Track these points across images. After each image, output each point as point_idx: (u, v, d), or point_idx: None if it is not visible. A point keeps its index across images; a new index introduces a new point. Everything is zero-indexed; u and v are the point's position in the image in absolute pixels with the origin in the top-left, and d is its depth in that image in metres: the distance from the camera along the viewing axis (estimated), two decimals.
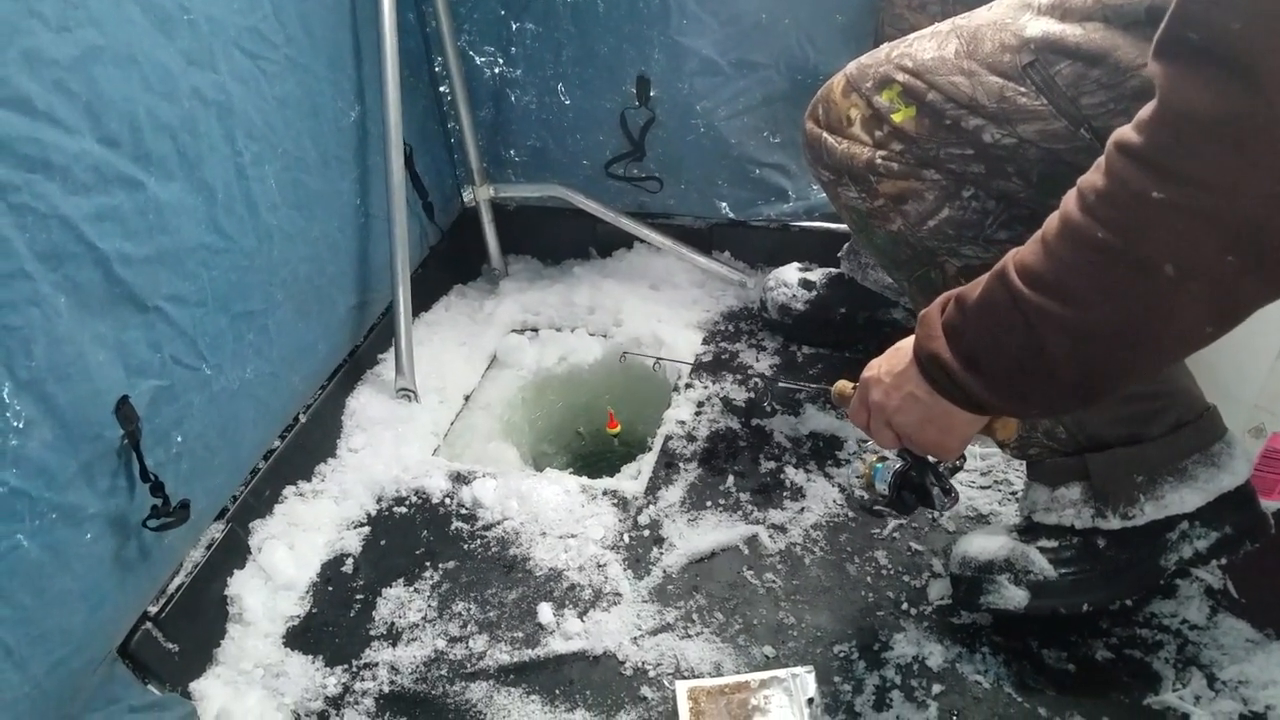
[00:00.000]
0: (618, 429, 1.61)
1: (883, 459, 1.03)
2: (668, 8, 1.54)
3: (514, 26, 1.64)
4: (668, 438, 1.45)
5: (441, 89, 1.72)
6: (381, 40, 1.42)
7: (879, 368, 0.90)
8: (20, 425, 0.82)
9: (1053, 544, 1.04)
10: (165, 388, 1.02)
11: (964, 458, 1.06)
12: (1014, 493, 1.27)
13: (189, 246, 1.05)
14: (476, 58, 1.69)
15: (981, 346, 0.75)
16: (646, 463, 1.41)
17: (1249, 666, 1.02)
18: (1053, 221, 0.69)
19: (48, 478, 0.86)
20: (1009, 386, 0.75)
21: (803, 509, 1.29)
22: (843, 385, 1.04)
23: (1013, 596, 1.03)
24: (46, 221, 0.84)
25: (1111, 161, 0.64)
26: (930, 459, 0.97)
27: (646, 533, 1.28)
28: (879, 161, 0.99)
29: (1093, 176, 0.65)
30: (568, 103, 1.70)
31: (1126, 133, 0.63)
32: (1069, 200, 0.68)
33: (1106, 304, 0.66)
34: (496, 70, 1.70)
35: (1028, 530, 1.07)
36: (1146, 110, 0.61)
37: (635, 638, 1.14)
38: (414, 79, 1.63)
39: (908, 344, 0.85)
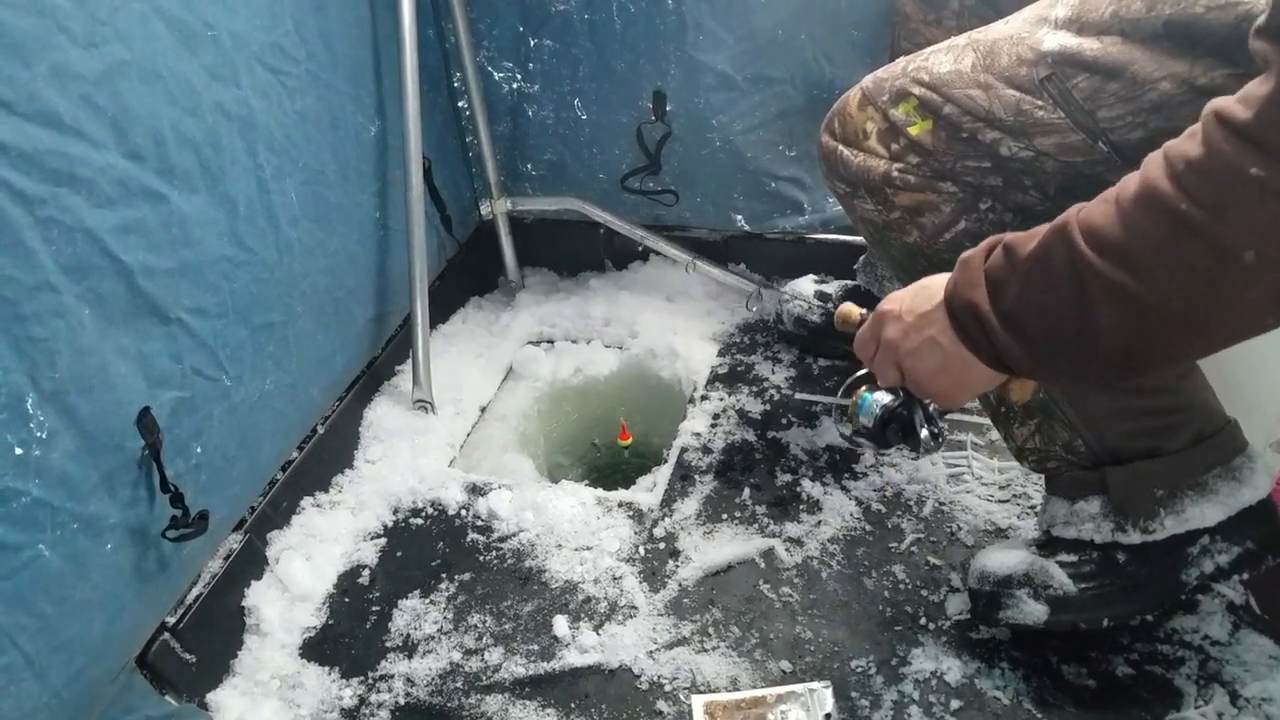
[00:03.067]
0: (629, 440, 1.61)
1: (871, 390, 1.00)
2: (684, 24, 1.55)
3: (532, 43, 1.65)
4: (683, 450, 1.45)
5: (460, 104, 1.74)
6: (401, 56, 1.44)
7: (900, 303, 0.84)
8: (43, 436, 0.83)
9: (1072, 558, 1.03)
10: (186, 399, 1.03)
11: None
12: (1032, 506, 1.26)
13: (211, 259, 1.07)
14: (495, 73, 1.71)
15: (1025, 304, 0.71)
16: (662, 475, 1.41)
17: (1272, 684, 1.00)
18: (1129, 184, 0.65)
19: (69, 488, 0.87)
20: (1045, 350, 0.71)
21: (819, 522, 1.29)
22: (849, 309, 0.99)
23: (1032, 611, 1.03)
24: (72, 234, 0.85)
25: (1209, 132, 0.60)
26: (925, 400, 0.93)
27: (662, 545, 1.28)
28: (895, 174, 0.99)
29: (1185, 145, 0.62)
30: (584, 118, 1.72)
31: (1230, 105, 0.60)
32: (1153, 165, 0.64)
33: (1171, 280, 0.62)
34: (514, 85, 1.72)
35: (1047, 544, 1.06)
36: (1257, 85, 0.58)
37: (651, 651, 1.13)
38: (433, 94, 1.65)
39: (937, 283, 0.81)
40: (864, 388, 1.01)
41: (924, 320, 0.80)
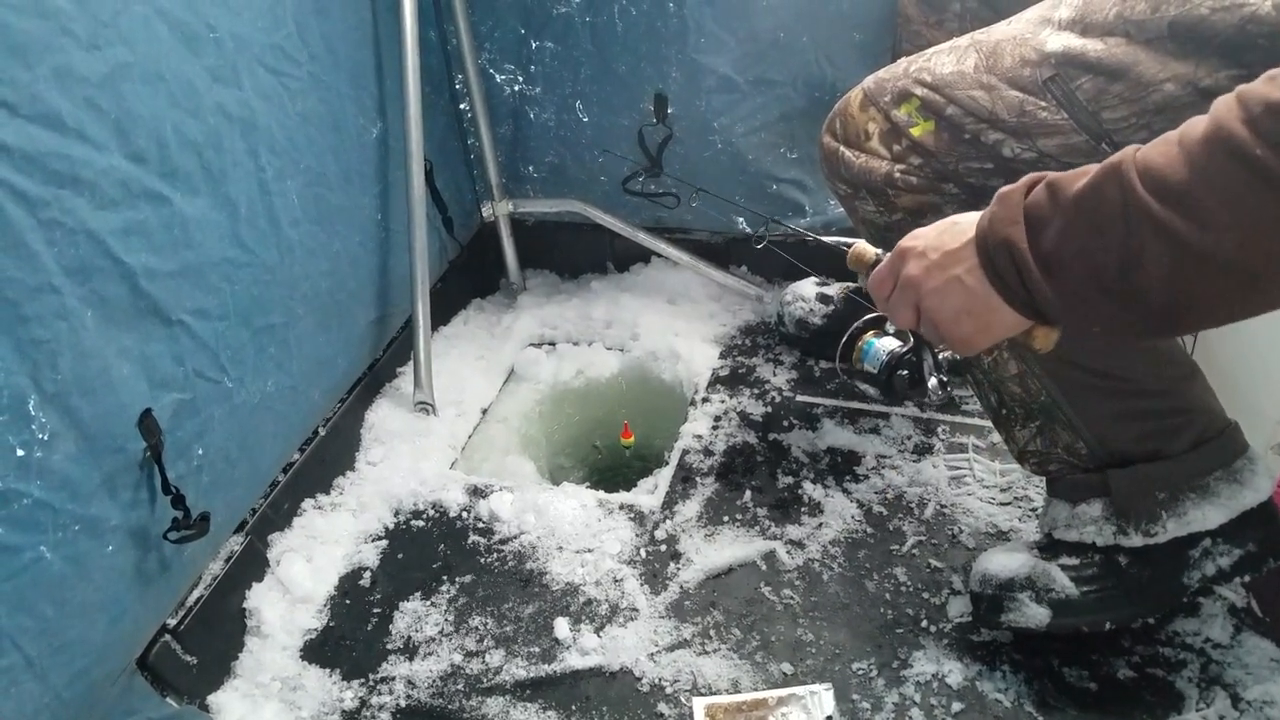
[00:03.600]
0: (631, 440, 1.61)
1: (879, 335, 0.96)
2: (685, 27, 1.55)
3: (533, 45, 1.65)
4: (685, 452, 1.45)
5: (462, 106, 1.74)
6: (403, 58, 1.44)
7: (924, 239, 0.79)
8: (45, 438, 0.83)
9: (1074, 561, 1.03)
10: (187, 401, 1.03)
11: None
12: (1034, 509, 1.26)
13: (212, 261, 1.07)
14: (496, 76, 1.71)
15: (1067, 246, 0.66)
16: (663, 477, 1.41)
17: (1273, 686, 1.00)
18: (1196, 126, 0.61)
19: (71, 490, 0.87)
20: (1082, 297, 0.67)
21: (821, 524, 1.29)
22: (863, 248, 0.92)
23: (1034, 615, 1.02)
24: (74, 236, 0.85)
25: None
26: (935, 345, 0.87)
27: (663, 548, 1.28)
28: (897, 175, 0.99)
29: (1264, 88, 0.58)
30: (586, 120, 1.72)
31: None
32: (1225, 108, 0.60)
33: (1236, 231, 0.58)
34: (516, 88, 1.72)
35: (1048, 547, 1.06)
36: None
37: (652, 654, 1.13)
38: (435, 96, 1.65)
39: (967, 220, 0.76)
40: (870, 333, 0.96)
41: (950, 258, 0.75)
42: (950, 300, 0.75)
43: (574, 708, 1.08)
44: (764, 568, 1.23)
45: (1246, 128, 0.57)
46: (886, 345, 0.91)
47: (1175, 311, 0.64)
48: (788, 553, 1.25)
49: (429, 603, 1.24)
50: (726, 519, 1.32)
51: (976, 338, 0.76)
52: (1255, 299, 0.63)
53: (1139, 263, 0.62)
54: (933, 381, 0.90)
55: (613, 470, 1.74)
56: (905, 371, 0.91)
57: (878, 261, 0.88)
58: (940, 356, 0.90)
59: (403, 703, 1.11)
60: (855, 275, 1.54)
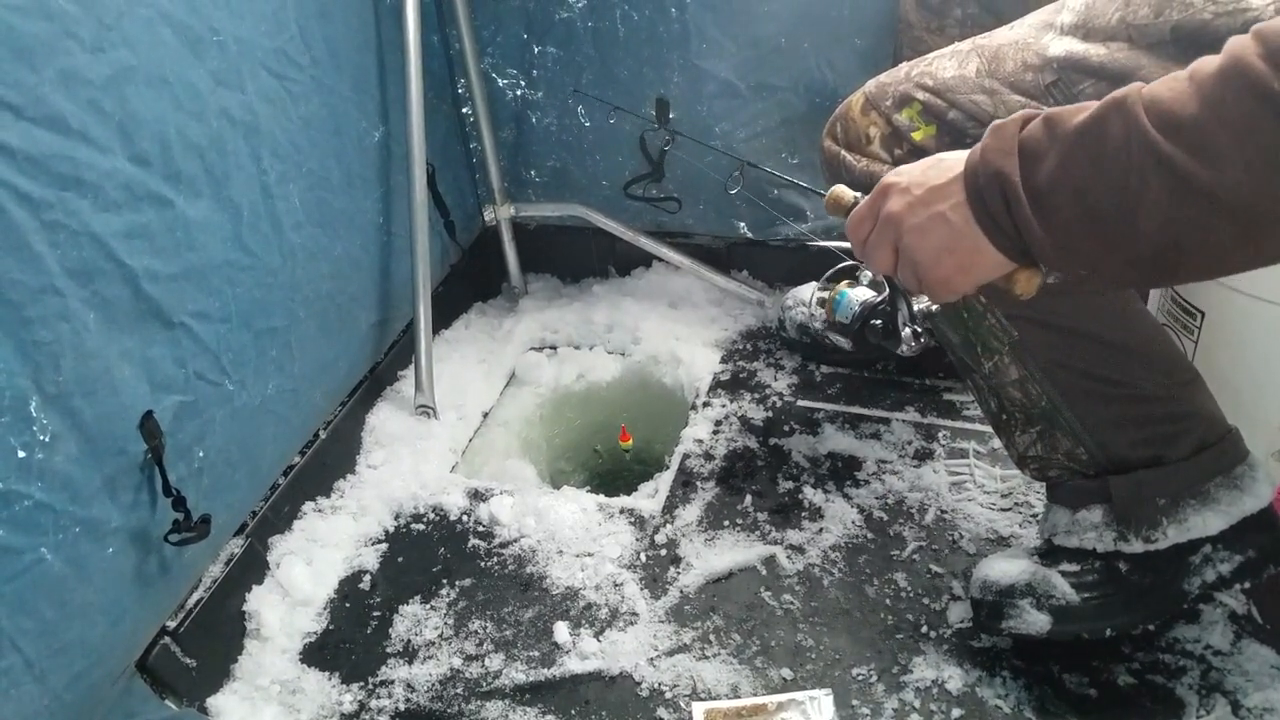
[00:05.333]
0: (629, 442, 1.61)
1: (852, 286, 0.92)
2: (687, 32, 1.56)
3: (536, 50, 1.66)
4: (685, 456, 1.45)
5: (464, 110, 1.74)
6: (406, 62, 1.44)
7: (908, 174, 0.76)
8: (46, 439, 0.83)
9: (1074, 568, 1.03)
10: (189, 403, 1.03)
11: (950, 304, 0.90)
12: (1034, 515, 1.26)
13: (215, 264, 1.07)
14: (499, 80, 1.71)
15: (1062, 180, 0.64)
16: (664, 481, 1.41)
17: (1274, 694, 1.00)
18: (1208, 63, 0.59)
19: (72, 491, 0.87)
20: (1073, 238, 0.65)
21: (821, 529, 1.28)
22: (841, 191, 0.89)
23: (1034, 621, 1.02)
24: (78, 238, 0.85)
25: None
26: (911, 294, 0.85)
27: (663, 552, 1.28)
28: None
29: None
30: (588, 124, 1.72)
31: None
32: (1241, 45, 0.58)
33: (1245, 168, 0.56)
34: (518, 92, 1.72)
35: (1049, 553, 1.06)
36: None
37: (652, 658, 1.13)
38: (437, 100, 1.65)
39: (955, 156, 0.74)
40: (844, 283, 0.93)
41: (935, 193, 0.72)
42: (931, 238, 0.73)
43: (573, 712, 1.08)
44: (764, 572, 1.23)
45: (1265, 62, 0.56)
46: (859, 296, 0.87)
47: (1166, 258, 0.62)
48: (788, 558, 1.25)
49: (429, 606, 1.24)
50: (727, 523, 1.32)
51: (956, 279, 0.74)
52: (1249, 249, 0.61)
53: (1137, 201, 0.60)
54: (906, 332, 0.85)
55: (613, 474, 1.74)
56: (878, 321, 0.88)
57: (855, 204, 0.85)
58: (917, 308, 0.86)
59: (402, 706, 1.11)
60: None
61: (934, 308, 0.88)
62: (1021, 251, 0.69)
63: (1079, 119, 0.63)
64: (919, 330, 0.86)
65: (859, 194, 0.84)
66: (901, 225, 0.74)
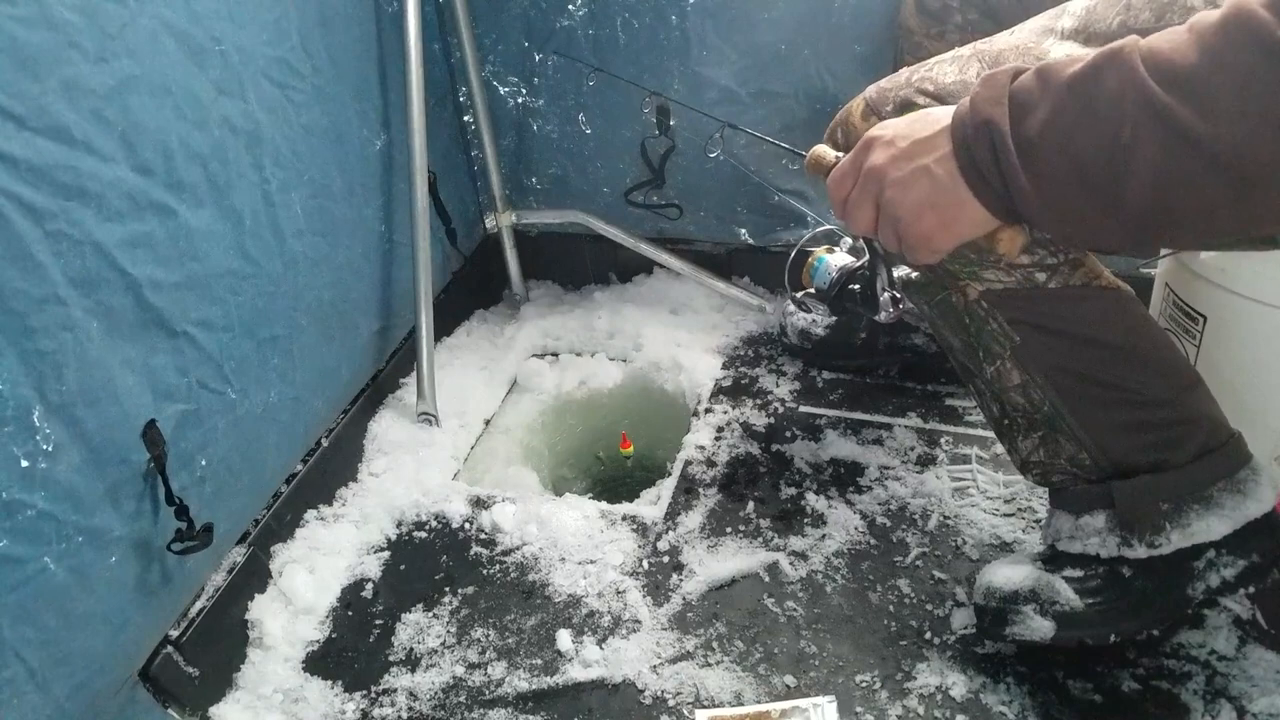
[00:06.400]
0: (630, 449, 1.61)
1: (830, 251, 0.92)
2: (688, 39, 1.56)
3: (537, 58, 1.66)
4: (687, 463, 1.45)
5: (466, 118, 1.75)
6: (407, 70, 1.45)
7: (893, 127, 0.74)
8: (49, 448, 0.83)
9: (1078, 573, 1.02)
10: (191, 412, 1.04)
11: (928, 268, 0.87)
12: (1037, 520, 1.26)
13: (217, 272, 1.07)
14: (500, 88, 1.72)
15: (1052, 131, 0.62)
16: (666, 488, 1.41)
17: (1279, 699, 1.00)
18: (1209, 15, 0.58)
19: (75, 501, 0.87)
20: (1061, 192, 0.63)
21: (824, 536, 1.28)
22: (822, 151, 0.87)
23: (1038, 628, 1.02)
24: (81, 248, 0.86)
25: None
26: (892, 259, 0.83)
27: (666, 559, 1.28)
28: None
29: None
30: (589, 132, 1.72)
31: None
32: None
33: (1243, 120, 0.55)
34: (519, 100, 1.73)
35: (1052, 559, 1.06)
36: None
37: (654, 666, 1.13)
38: (439, 108, 1.66)
39: (943, 110, 0.72)
40: (822, 249, 0.93)
41: (920, 147, 0.70)
42: (914, 192, 0.71)
43: None
44: (767, 579, 1.23)
45: (1269, 11, 0.54)
46: (837, 261, 0.86)
47: (1153, 218, 0.61)
48: (791, 564, 1.25)
49: (431, 614, 1.23)
50: (729, 530, 1.31)
51: (938, 236, 0.72)
52: (1238, 209, 0.59)
53: (1129, 155, 0.59)
54: (884, 297, 0.84)
55: (615, 481, 1.74)
56: (856, 286, 0.86)
57: (836, 163, 0.84)
58: (896, 274, 0.85)
59: (404, 715, 1.10)
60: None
61: (913, 275, 0.86)
62: (1006, 208, 0.68)
63: (1073, 69, 0.61)
64: (897, 296, 0.84)
65: (840, 154, 0.83)
66: (884, 179, 0.73)
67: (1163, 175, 0.58)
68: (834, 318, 1.57)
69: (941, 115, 0.71)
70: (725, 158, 1.47)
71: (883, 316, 0.87)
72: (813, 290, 0.89)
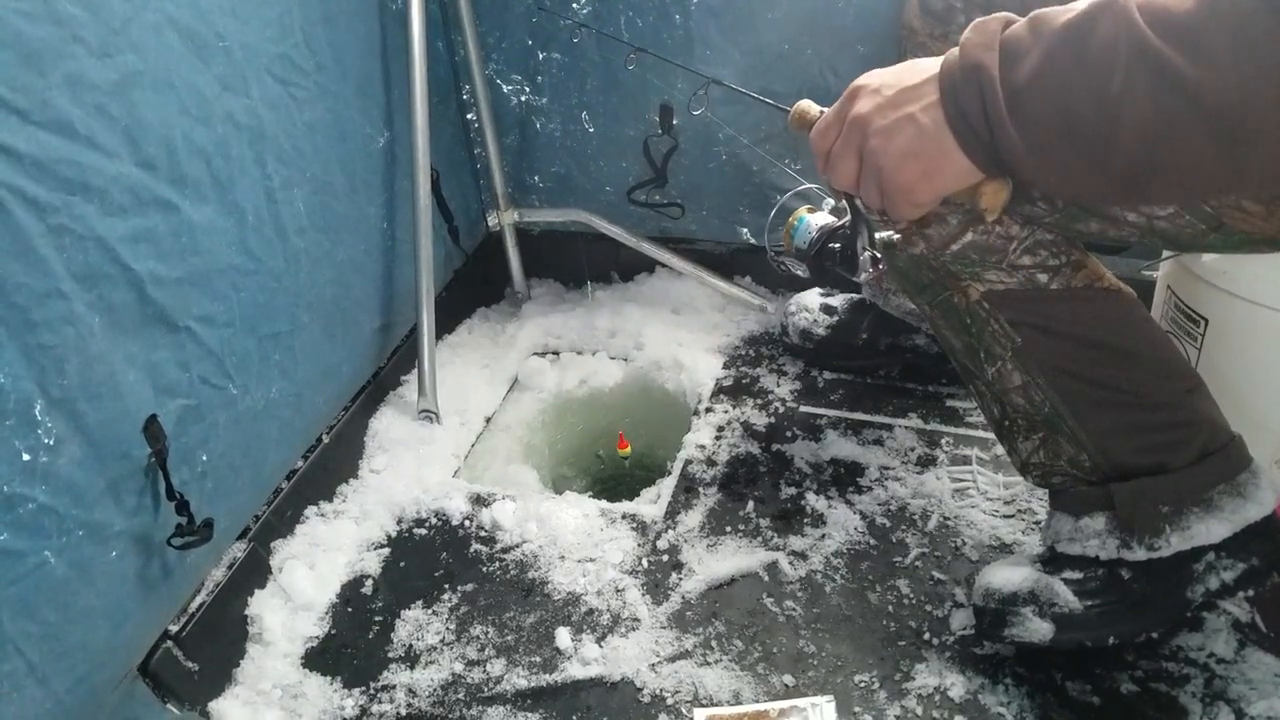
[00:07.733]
0: (627, 450, 1.61)
1: (811, 211, 0.91)
2: (691, 39, 1.56)
3: (540, 56, 1.66)
4: (687, 462, 1.45)
5: (469, 116, 1.75)
6: (411, 68, 1.45)
7: (880, 76, 0.72)
8: (51, 443, 0.83)
9: (1077, 575, 1.02)
10: (192, 407, 1.04)
11: (910, 226, 0.86)
12: (1037, 522, 1.26)
13: (219, 268, 1.07)
14: (503, 86, 1.72)
15: (1043, 79, 0.61)
16: (666, 487, 1.41)
17: (1278, 702, 1.00)
18: None
19: (75, 495, 0.87)
20: (1048, 142, 0.62)
21: (823, 536, 1.28)
22: (806, 105, 0.85)
23: (1038, 629, 1.02)
24: (84, 242, 0.86)
25: None
26: (872, 218, 0.82)
27: (665, 558, 1.28)
28: None
29: None
30: (591, 130, 1.73)
31: None
32: None
33: (1235, 70, 0.54)
34: (523, 98, 1.73)
35: (1051, 561, 1.06)
36: None
37: (653, 664, 1.13)
38: (442, 106, 1.66)
39: (931, 60, 0.70)
40: (804, 208, 0.92)
41: (906, 95, 0.69)
42: (897, 140, 0.69)
43: (575, 718, 1.08)
44: (766, 579, 1.23)
45: None
46: (818, 220, 0.85)
47: (1140, 172, 0.60)
48: (790, 564, 1.25)
49: (430, 611, 1.24)
50: (729, 529, 1.31)
51: (920, 187, 0.70)
52: (1225, 164, 0.59)
53: (1119, 104, 0.58)
54: (865, 257, 0.83)
55: (615, 480, 1.74)
56: (837, 245, 0.86)
57: (819, 118, 0.82)
58: (878, 236, 0.83)
59: (404, 711, 1.11)
60: (859, 287, 1.57)
61: (895, 236, 0.84)
62: (990, 159, 0.66)
63: (1067, 16, 0.60)
64: (877, 256, 0.83)
65: (825, 108, 0.82)
66: (868, 127, 0.71)
67: (1151, 126, 0.58)
68: (833, 318, 1.57)
69: (930, 64, 0.70)
70: (710, 116, 1.45)
71: (862, 277, 0.86)
72: (793, 249, 0.87)
